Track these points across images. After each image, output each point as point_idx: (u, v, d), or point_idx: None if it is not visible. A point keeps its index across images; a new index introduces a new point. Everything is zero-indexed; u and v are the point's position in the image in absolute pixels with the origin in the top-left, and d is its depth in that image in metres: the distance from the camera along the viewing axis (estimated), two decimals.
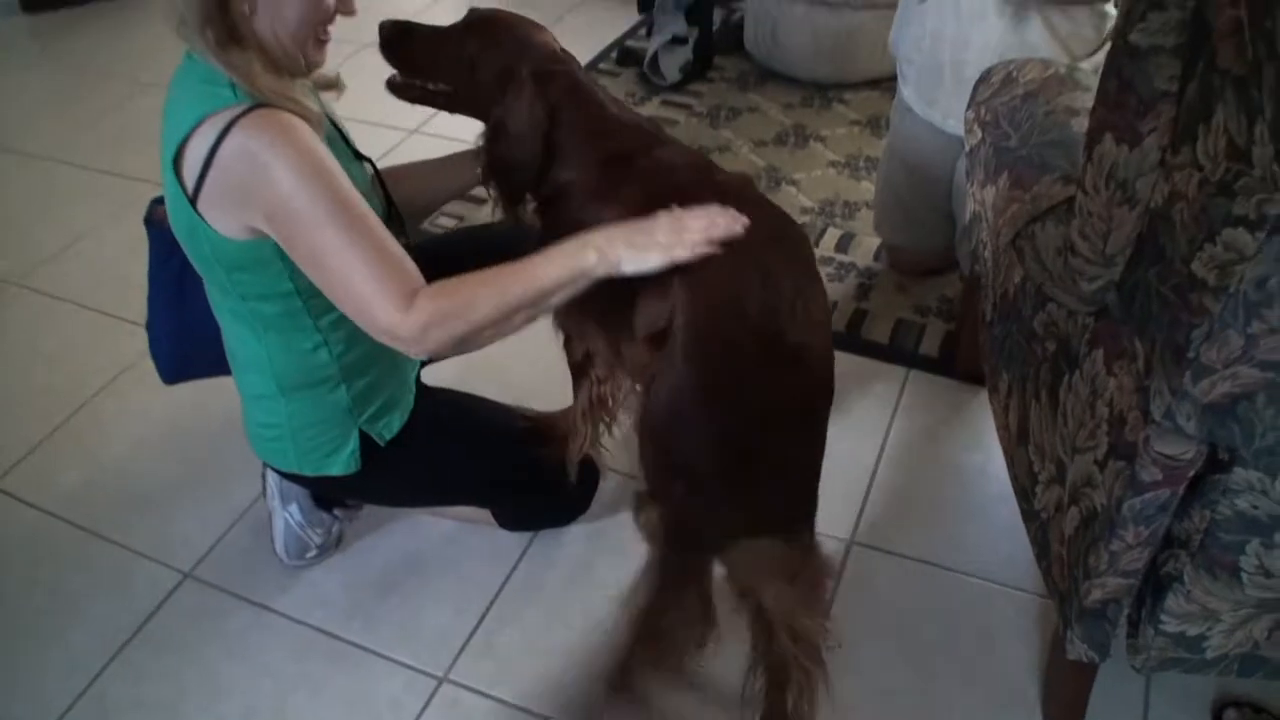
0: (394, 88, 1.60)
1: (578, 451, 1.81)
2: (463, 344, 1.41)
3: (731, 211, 1.33)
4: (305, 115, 1.41)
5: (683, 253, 1.30)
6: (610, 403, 1.78)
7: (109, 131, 3.36)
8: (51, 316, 2.55)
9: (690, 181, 1.42)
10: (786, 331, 1.34)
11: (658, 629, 1.50)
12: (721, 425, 1.35)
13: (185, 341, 1.77)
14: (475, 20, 1.59)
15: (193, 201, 1.40)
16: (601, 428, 1.82)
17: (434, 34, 1.58)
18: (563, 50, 1.59)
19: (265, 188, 1.35)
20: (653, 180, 1.43)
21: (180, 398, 2.00)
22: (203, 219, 1.41)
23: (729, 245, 1.32)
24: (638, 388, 1.50)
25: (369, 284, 1.38)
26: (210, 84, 1.38)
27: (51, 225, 2.90)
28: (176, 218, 1.47)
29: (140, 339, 2.33)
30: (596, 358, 1.69)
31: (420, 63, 1.58)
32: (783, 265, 1.37)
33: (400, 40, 1.57)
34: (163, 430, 2.19)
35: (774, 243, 1.39)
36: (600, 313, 1.50)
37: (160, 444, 2.16)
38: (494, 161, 1.54)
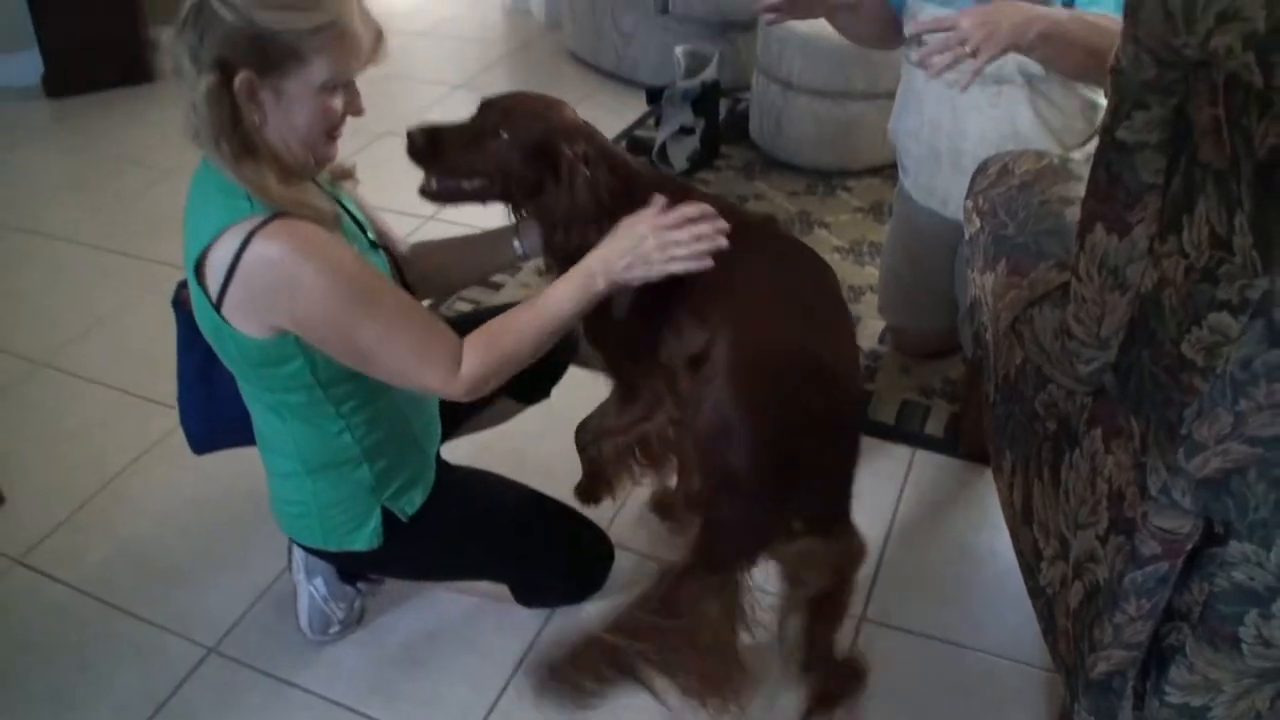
0: (428, 194, 1.67)
1: (620, 489, 1.89)
2: (504, 379, 1.58)
3: (708, 211, 1.49)
4: (320, 218, 1.48)
5: (675, 266, 1.50)
6: (657, 443, 1.84)
7: (130, 215, 3.45)
8: (76, 395, 2.61)
9: (724, 215, 1.55)
10: (817, 346, 1.50)
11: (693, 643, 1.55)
12: (765, 434, 1.45)
13: (214, 416, 1.83)
14: (499, 107, 1.65)
15: (217, 307, 1.47)
16: (640, 469, 1.89)
17: (461, 131, 1.64)
18: (583, 121, 1.67)
19: (291, 297, 1.44)
20: None
21: (206, 474, 2.05)
22: (227, 322, 1.48)
23: (760, 274, 1.53)
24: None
25: (415, 362, 1.51)
26: (228, 195, 1.44)
27: (74, 306, 2.97)
28: (202, 320, 1.55)
29: (164, 417, 2.41)
30: (647, 396, 1.76)
31: (453, 163, 1.64)
32: (811, 291, 1.55)
33: (430, 144, 1.63)
34: (188, 506, 2.23)
35: (801, 271, 1.57)
36: (653, 350, 1.63)
37: (185, 520, 2.21)
38: (557, 251, 1.64)
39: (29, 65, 4.40)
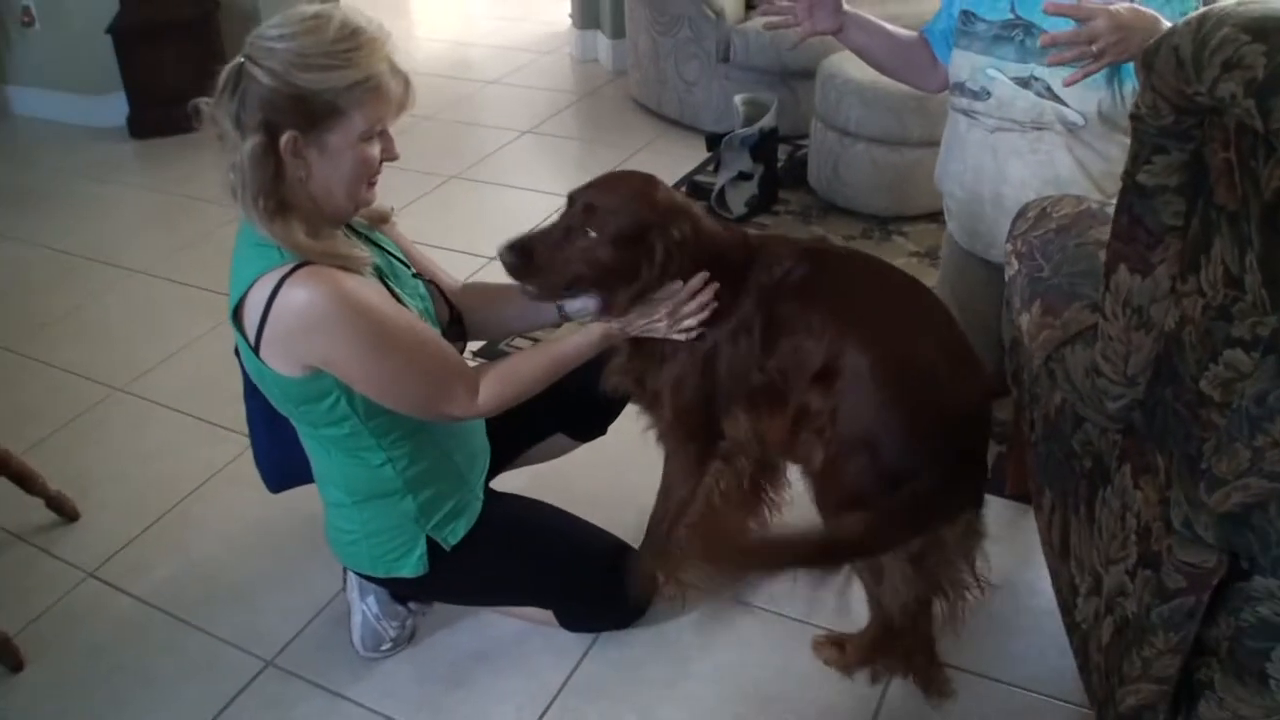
0: (532, 296, 1.78)
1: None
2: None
3: (706, 281, 1.70)
4: (347, 264, 1.58)
5: (679, 336, 1.72)
6: (762, 482, 2.01)
7: (205, 251, 3.60)
8: (151, 420, 2.73)
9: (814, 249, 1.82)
10: (949, 344, 1.68)
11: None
12: (926, 430, 1.63)
13: (284, 457, 1.92)
14: (582, 204, 1.71)
15: (255, 350, 1.58)
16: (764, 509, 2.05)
17: (549, 236, 1.71)
18: (669, 198, 1.74)
19: (318, 337, 1.54)
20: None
21: (269, 498, 2.14)
22: (265, 364, 1.59)
23: (870, 292, 1.75)
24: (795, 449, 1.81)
25: (434, 393, 1.65)
26: (261, 246, 1.56)
27: (152, 335, 3.11)
28: (247, 363, 1.67)
29: (232, 443, 2.51)
30: (732, 445, 1.88)
31: (547, 271, 1.71)
32: (910, 300, 1.74)
33: (522, 258, 1.70)
34: (251, 528, 2.33)
35: (896, 286, 1.76)
36: (747, 398, 1.78)
37: (249, 540, 2.30)
38: (617, 313, 1.76)
39: (115, 107, 4.62)
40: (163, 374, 2.93)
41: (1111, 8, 1.76)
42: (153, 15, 4.42)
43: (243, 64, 1.50)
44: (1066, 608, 1.65)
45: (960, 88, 2.19)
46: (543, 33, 5.94)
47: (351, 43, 1.50)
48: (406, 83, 1.58)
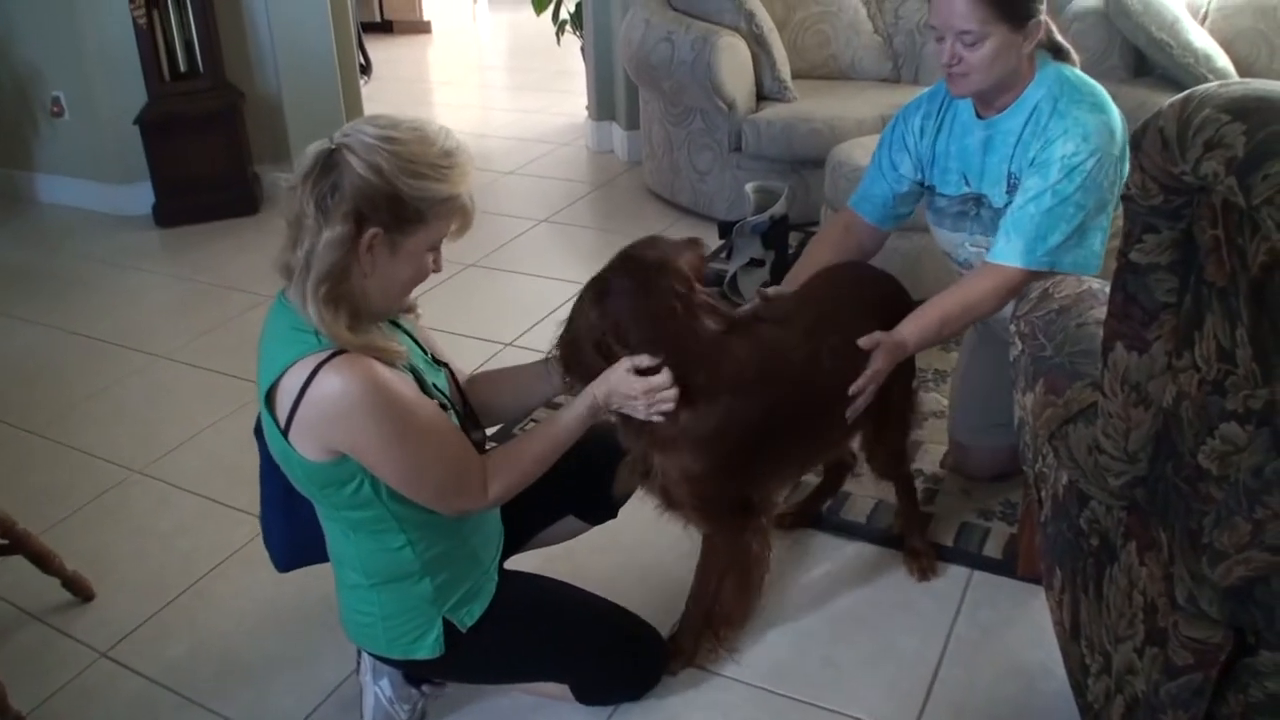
0: (569, 390, 1.90)
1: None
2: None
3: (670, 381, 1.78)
4: (382, 356, 1.64)
5: (656, 417, 1.78)
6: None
7: (227, 337, 3.67)
8: (168, 502, 2.76)
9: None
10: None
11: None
12: None
13: (296, 537, 1.95)
14: (589, 304, 1.85)
15: (284, 433, 1.62)
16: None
17: (575, 340, 1.86)
18: (678, 267, 1.87)
19: (349, 425, 1.59)
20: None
21: (282, 581, 2.15)
22: (293, 447, 1.63)
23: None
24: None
25: (453, 486, 1.70)
26: (299, 330, 1.61)
27: (172, 419, 3.15)
28: (273, 445, 1.70)
29: (247, 525, 2.53)
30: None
31: (579, 369, 1.86)
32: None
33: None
34: (265, 610, 2.34)
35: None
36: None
37: (262, 622, 2.31)
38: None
39: (142, 196, 4.73)
40: (181, 457, 2.96)
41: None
42: (180, 108, 4.55)
43: (335, 151, 1.57)
44: (1079, 689, 1.64)
45: (949, 255, 2.30)
46: (560, 124, 6.08)
47: (451, 160, 1.62)
48: (474, 207, 1.70)
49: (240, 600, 2.38)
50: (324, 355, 1.58)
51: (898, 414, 2.25)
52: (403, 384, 1.65)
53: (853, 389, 1.99)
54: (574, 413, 1.80)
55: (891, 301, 2.20)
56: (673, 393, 1.77)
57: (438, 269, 1.72)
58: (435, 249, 1.67)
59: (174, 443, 3.02)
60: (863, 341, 2.00)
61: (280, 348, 1.62)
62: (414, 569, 1.77)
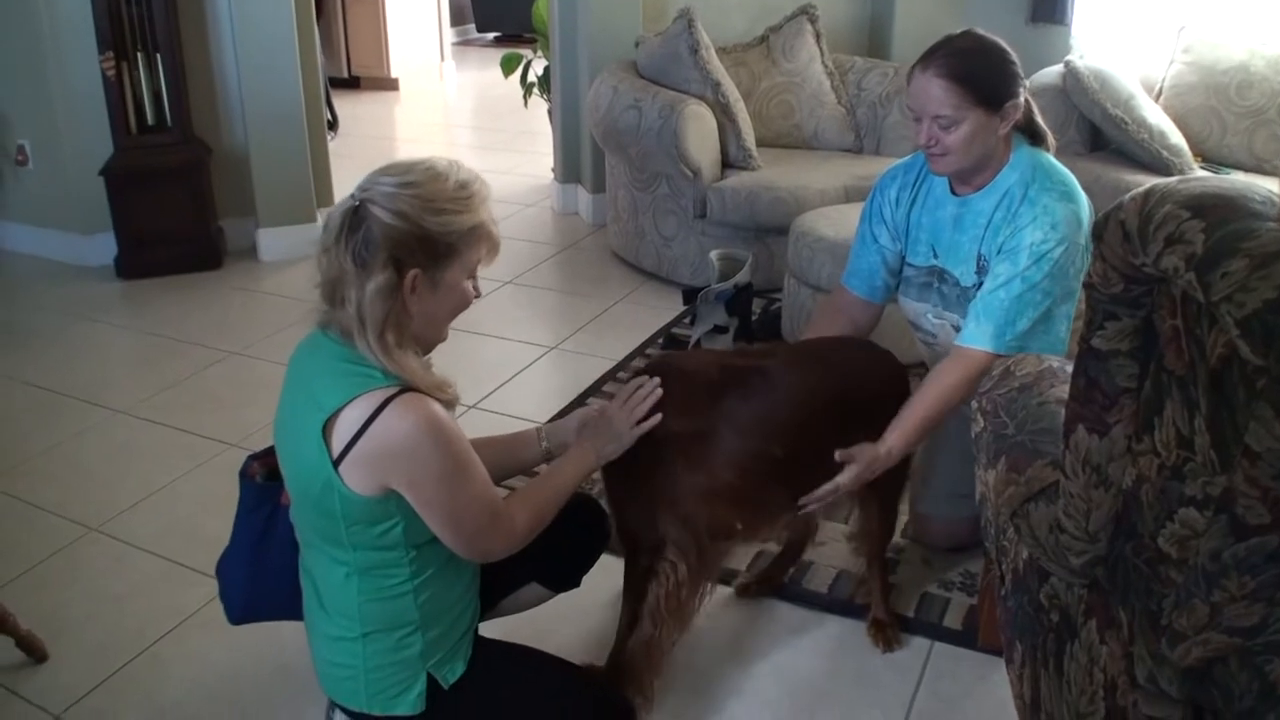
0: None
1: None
2: None
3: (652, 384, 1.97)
4: (442, 396, 1.70)
5: (641, 428, 1.94)
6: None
7: (186, 393, 3.62)
8: (123, 561, 2.71)
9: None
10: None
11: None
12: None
13: (259, 586, 1.92)
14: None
15: (336, 463, 1.63)
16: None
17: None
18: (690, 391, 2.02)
19: (410, 463, 1.63)
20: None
21: (238, 645, 2.13)
22: (340, 478, 1.64)
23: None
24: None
25: (489, 523, 1.75)
26: (359, 365, 1.66)
27: (128, 476, 3.10)
28: (314, 474, 1.68)
29: (203, 586, 2.50)
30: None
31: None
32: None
33: None
34: (220, 676, 2.30)
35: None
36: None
37: (216, 689, 2.27)
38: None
39: (104, 247, 4.70)
40: (138, 515, 2.92)
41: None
42: (146, 160, 4.53)
43: (359, 206, 1.64)
44: None
45: (915, 325, 2.35)
46: (526, 186, 6.12)
47: (468, 190, 1.70)
48: (498, 230, 1.77)
49: (196, 665, 2.34)
50: (391, 391, 1.62)
51: (889, 499, 2.34)
52: (456, 425, 1.71)
53: (812, 497, 2.07)
54: (574, 464, 1.93)
55: (886, 385, 2.29)
56: (651, 387, 1.93)
57: (479, 294, 1.79)
58: (472, 275, 1.75)
59: (131, 500, 2.98)
60: (839, 454, 2.05)
61: (337, 382, 1.65)
62: (410, 619, 1.77)
